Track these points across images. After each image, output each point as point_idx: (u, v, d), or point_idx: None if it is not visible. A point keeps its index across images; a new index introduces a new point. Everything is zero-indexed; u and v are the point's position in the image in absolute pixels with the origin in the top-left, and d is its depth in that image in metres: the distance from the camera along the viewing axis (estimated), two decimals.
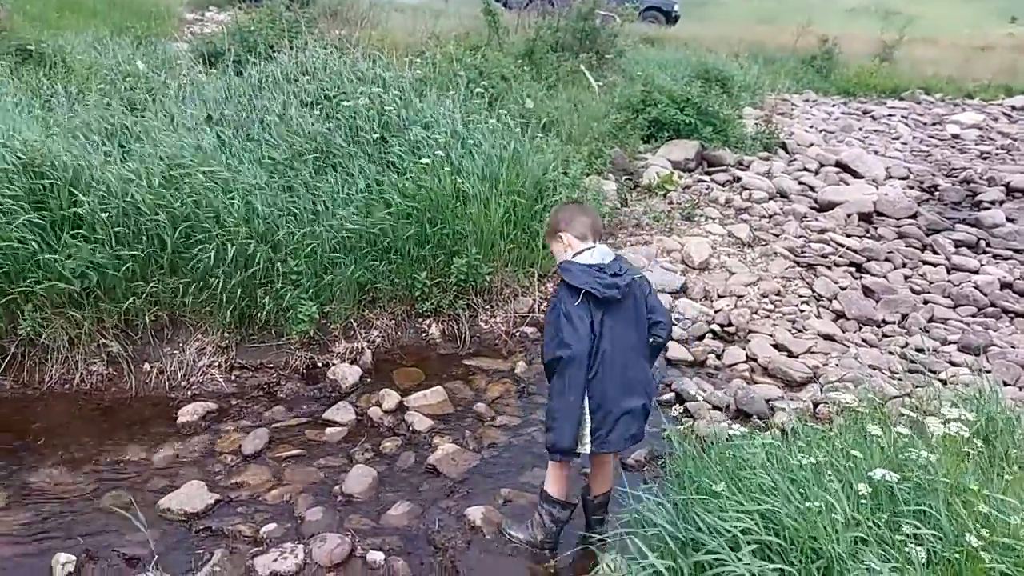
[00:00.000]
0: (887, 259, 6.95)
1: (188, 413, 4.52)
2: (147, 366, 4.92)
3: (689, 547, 2.52)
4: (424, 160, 5.46)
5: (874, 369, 5.08)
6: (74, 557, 3.37)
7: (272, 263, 5.01)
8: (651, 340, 3.34)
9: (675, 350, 5.29)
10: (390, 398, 4.70)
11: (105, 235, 4.76)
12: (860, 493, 2.35)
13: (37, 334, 4.72)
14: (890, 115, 14.31)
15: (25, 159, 4.90)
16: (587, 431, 3.19)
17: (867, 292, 6.26)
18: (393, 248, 5.37)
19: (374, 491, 3.89)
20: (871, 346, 5.49)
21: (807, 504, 2.34)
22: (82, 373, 4.81)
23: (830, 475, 2.49)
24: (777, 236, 7.30)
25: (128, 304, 4.81)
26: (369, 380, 5.00)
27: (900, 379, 4.89)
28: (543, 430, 3.23)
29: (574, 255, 3.22)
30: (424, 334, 5.51)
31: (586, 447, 3.21)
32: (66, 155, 5.01)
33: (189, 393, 4.79)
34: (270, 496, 3.86)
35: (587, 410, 3.16)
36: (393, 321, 5.50)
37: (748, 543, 2.31)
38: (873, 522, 2.31)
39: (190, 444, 4.29)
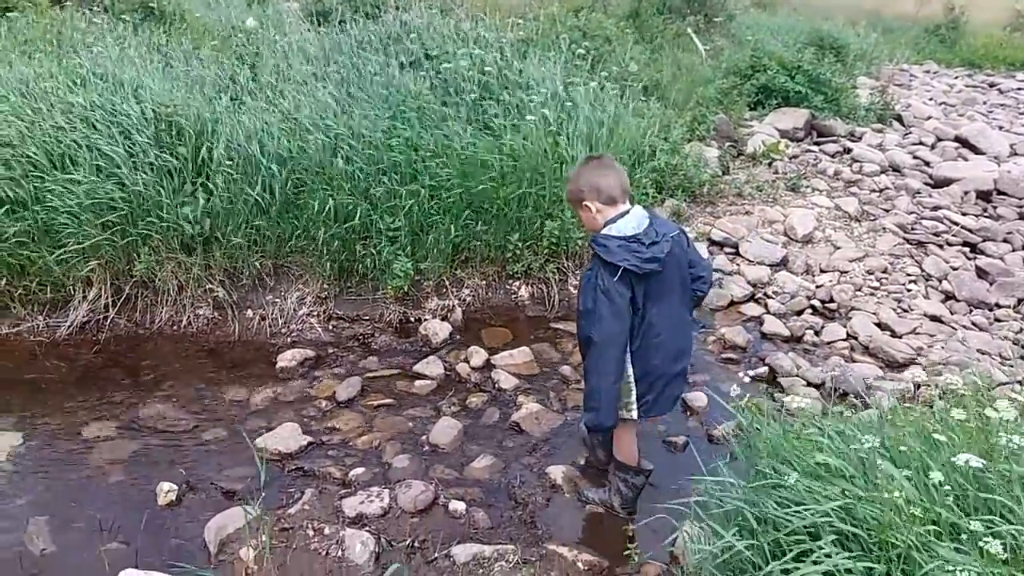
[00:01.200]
0: (1006, 240, 6.52)
1: (287, 359, 4.71)
2: (250, 312, 5.14)
3: (770, 525, 2.45)
4: (529, 117, 5.42)
5: (983, 354, 4.80)
6: (176, 486, 3.58)
7: (371, 219, 5.13)
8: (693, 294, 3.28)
9: (771, 324, 5.14)
10: (478, 355, 4.76)
11: (224, 182, 4.97)
12: (937, 482, 2.19)
13: (150, 277, 4.99)
14: (1020, 89, 13.33)
15: (158, 110, 5.15)
16: (633, 398, 3.15)
17: (981, 273, 5.90)
18: (488, 209, 5.39)
19: (459, 443, 3.97)
20: (981, 330, 5.19)
21: (877, 494, 2.21)
22: (189, 316, 5.06)
23: (901, 458, 2.36)
24: (887, 211, 6.95)
25: (235, 249, 5.01)
26: (458, 337, 5.07)
27: (1011, 365, 4.61)
28: (583, 407, 3.15)
29: (606, 223, 3.00)
30: (514, 295, 5.54)
31: (632, 413, 3.18)
32: (192, 106, 5.23)
33: (288, 340, 4.98)
34: (360, 442, 3.99)
35: (632, 378, 3.12)
36: (484, 281, 5.54)
37: (826, 532, 2.21)
38: (950, 510, 2.17)
39: (287, 388, 4.47)
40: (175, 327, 5.03)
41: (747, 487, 2.53)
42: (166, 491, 3.54)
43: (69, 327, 4.92)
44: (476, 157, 5.35)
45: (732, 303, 5.44)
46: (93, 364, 4.68)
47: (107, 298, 4.99)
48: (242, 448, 3.87)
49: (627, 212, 3.01)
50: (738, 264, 5.85)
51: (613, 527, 3.41)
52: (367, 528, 3.26)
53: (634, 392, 3.14)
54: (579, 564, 3.12)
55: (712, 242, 6.10)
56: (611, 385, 3.01)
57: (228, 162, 4.99)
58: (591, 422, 3.10)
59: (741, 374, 4.62)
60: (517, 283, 5.55)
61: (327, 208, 5.03)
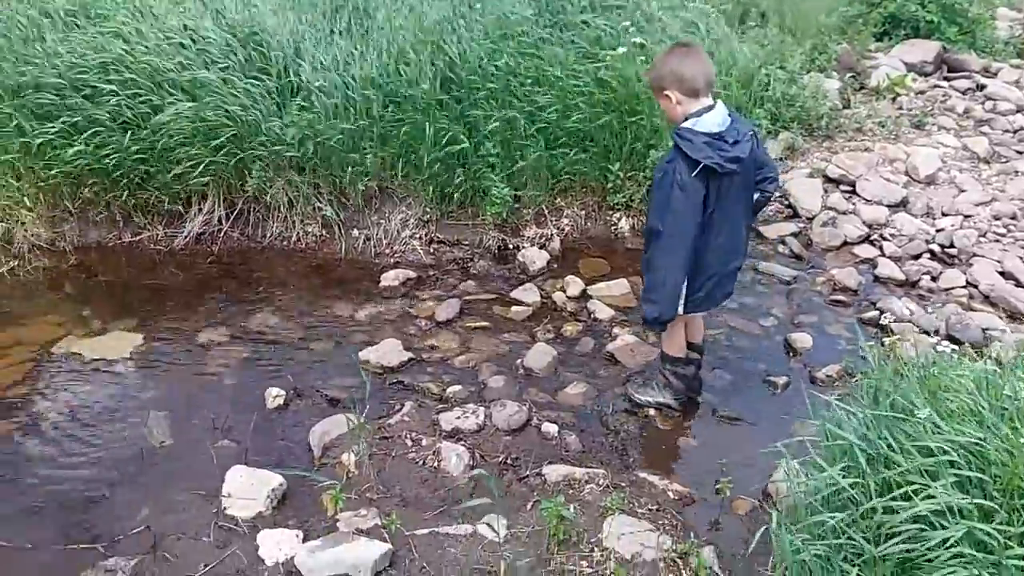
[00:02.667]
0: None
1: (390, 278, 4.83)
2: (356, 232, 5.26)
3: (880, 463, 2.38)
4: (620, 49, 5.25)
5: None
6: (284, 392, 3.75)
7: (471, 145, 5.11)
8: (758, 195, 3.25)
9: (885, 267, 4.91)
10: (575, 285, 4.75)
11: (321, 106, 5.03)
12: None
13: (262, 193, 5.15)
14: None
15: (245, 32, 5.24)
16: (682, 293, 3.19)
17: None
18: (588, 137, 5.29)
19: (553, 369, 4.00)
20: None
21: (1015, 437, 2.11)
22: (299, 233, 5.23)
23: None
24: (1021, 154, 6.46)
25: (341, 173, 5.10)
26: (555, 266, 5.07)
27: None
28: (643, 300, 3.20)
29: (688, 116, 2.95)
30: (613, 227, 5.46)
31: (680, 308, 3.23)
32: (287, 29, 5.27)
33: (391, 260, 5.09)
34: (457, 361, 4.07)
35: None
36: (583, 211, 5.48)
37: (947, 472, 2.13)
38: None
39: (390, 306, 4.59)
40: (285, 242, 5.21)
41: (867, 420, 2.44)
42: (274, 396, 3.72)
43: (186, 237, 5.17)
44: (576, 83, 5.23)
45: (845, 244, 5.21)
46: (208, 273, 4.92)
47: (221, 211, 5.19)
48: (346, 360, 4.03)
49: (712, 107, 2.95)
50: (854, 203, 5.58)
51: (706, 460, 3.38)
52: (462, 442, 3.34)
53: (684, 288, 3.17)
54: (669, 493, 3.12)
55: (827, 179, 5.81)
56: (676, 280, 3.06)
57: (318, 83, 5.01)
58: (651, 315, 3.13)
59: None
60: (617, 214, 5.46)
61: (426, 133, 5.03)
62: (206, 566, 2.71)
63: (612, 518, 2.83)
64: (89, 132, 4.87)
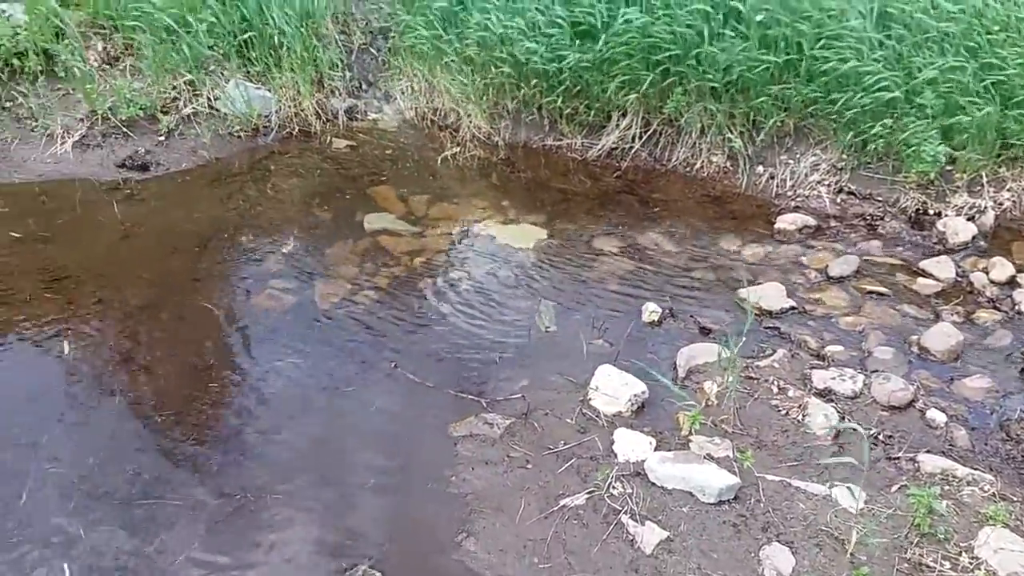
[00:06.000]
0: None
1: (786, 222, 4.67)
2: (760, 169, 5.13)
3: None
4: None
5: None
6: (660, 310, 3.89)
7: (903, 92, 4.62)
8: None
9: None
10: (1002, 268, 4.15)
11: (755, 34, 4.89)
12: None
13: (677, 116, 5.23)
14: None
15: None
16: None
17: None
18: None
19: (954, 355, 3.57)
20: None
21: None
22: (703, 161, 5.25)
23: None
24: None
25: (758, 103, 4.97)
26: (982, 243, 4.47)
27: None
28: None
29: None
30: None
31: None
32: None
33: (791, 204, 4.90)
34: (843, 321, 3.85)
35: None
36: None
37: None
38: None
39: (780, 250, 4.46)
40: (688, 168, 5.28)
41: None
42: (651, 311, 3.88)
43: (599, 151, 5.48)
44: None
45: None
46: (611, 187, 5.19)
47: (636, 130, 5.39)
48: (724, 293, 4.05)
49: None
50: None
51: None
52: (832, 404, 3.18)
53: None
54: None
55: None
56: None
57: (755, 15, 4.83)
58: None
59: None
60: None
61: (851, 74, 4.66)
62: (565, 444, 2.98)
63: (992, 529, 2.51)
64: (543, 33, 5.26)
